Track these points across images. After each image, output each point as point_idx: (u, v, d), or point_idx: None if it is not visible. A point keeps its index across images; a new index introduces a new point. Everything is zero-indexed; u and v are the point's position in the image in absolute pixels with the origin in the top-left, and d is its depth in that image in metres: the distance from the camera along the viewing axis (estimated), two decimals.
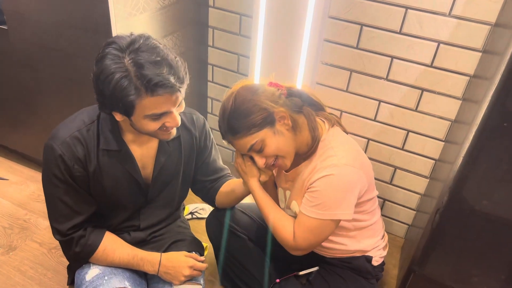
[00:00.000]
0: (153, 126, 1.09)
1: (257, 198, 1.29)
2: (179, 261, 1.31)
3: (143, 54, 1.00)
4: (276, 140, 1.17)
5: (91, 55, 1.58)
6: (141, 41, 1.02)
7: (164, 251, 1.38)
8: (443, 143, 1.69)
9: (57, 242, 1.82)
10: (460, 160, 1.25)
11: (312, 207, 1.18)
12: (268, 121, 1.15)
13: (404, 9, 1.52)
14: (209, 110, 2.27)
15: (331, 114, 1.31)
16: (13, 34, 1.76)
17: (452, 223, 1.36)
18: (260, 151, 1.18)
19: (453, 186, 1.29)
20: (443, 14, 1.47)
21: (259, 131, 1.15)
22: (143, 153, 1.25)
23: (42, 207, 2.01)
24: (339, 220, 1.21)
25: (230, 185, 1.43)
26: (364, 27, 1.63)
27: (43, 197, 2.04)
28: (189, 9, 1.89)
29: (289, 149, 1.20)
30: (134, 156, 1.23)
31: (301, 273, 1.43)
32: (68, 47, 1.65)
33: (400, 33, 1.57)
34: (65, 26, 1.61)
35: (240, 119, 1.15)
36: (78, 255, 1.26)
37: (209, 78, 2.16)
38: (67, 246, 1.26)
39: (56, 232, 1.25)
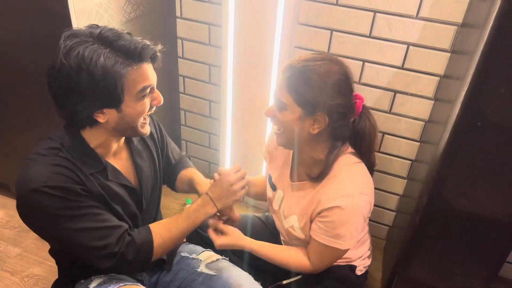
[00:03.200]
0: (144, 105, 1.04)
1: (258, 252, 1.28)
2: (221, 183, 1.21)
3: (107, 33, 0.96)
4: (292, 121, 1.12)
5: None
6: (98, 28, 0.97)
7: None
8: (419, 143, 1.70)
9: (29, 270, 1.74)
10: (437, 160, 1.25)
11: (329, 237, 1.17)
12: (308, 108, 1.10)
13: (372, 13, 1.53)
14: (182, 122, 2.23)
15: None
16: None
17: (433, 223, 1.37)
18: (279, 108, 1.14)
19: (432, 187, 1.30)
20: (410, 17, 1.48)
21: (295, 102, 1.10)
22: (120, 163, 1.17)
23: (12, 233, 1.92)
24: None
25: (186, 178, 1.38)
26: (334, 32, 1.63)
27: (12, 223, 1.97)
28: (156, 21, 1.85)
29: (291, 133, 1.15)
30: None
31: (284, 282, 1.41)
32: (31, 66, 1.58)
33: (370, 36, 1.58)
34: (27, 45, 1.55)
35: (300, 78, 1.09)
36: (136, 261, 1.09)
37: (181, 89, 2.12)
38: (121, 262, 1.07)
39: (101, 258, 1.04)
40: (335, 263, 1.34)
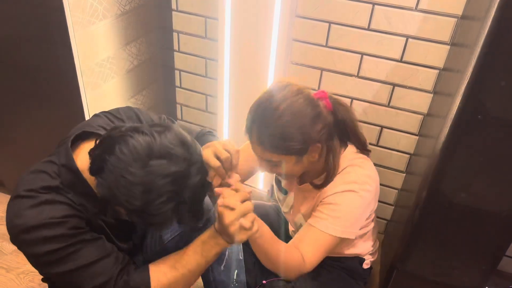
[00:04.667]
0: None
1: (267, 241, 1.07)
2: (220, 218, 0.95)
3: (193, 182, 0.86)
4: (292, 167, 1.13)
5: (50, 67, 1.51)
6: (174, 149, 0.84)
7: None
8: (417, 137, 1.69)
9: (25, 267, 1.73)
10: (436, 154, 1.24)
11: (328, 222, 1.13)
12: (301, 152, 1.09)
13: (371, 5, 1.51)
14: (178, 116, 2.21)
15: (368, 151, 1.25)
16: None
17: (432, 217, 1.36)
18: (272, 165, 1.13)
19: (431, 181, 1.29)
20: (409, 9, 1.47)
21: (286, 155, 1.09)
22: None
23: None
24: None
25: None
26: (332, 25, 1.61)
27: None
28: (152, 14, 1.82)
29: (298, 173, 1.17)
30: None
31: None
32: (23, 61, 1.56)
33: (368, 29, 1.56)
34: (19, 39, 1.52)
35: (279, 139, 1.06)
36: None
37: (177, 83, 2.10)
38: None
39: None
40: (344, 255, 1.36)
